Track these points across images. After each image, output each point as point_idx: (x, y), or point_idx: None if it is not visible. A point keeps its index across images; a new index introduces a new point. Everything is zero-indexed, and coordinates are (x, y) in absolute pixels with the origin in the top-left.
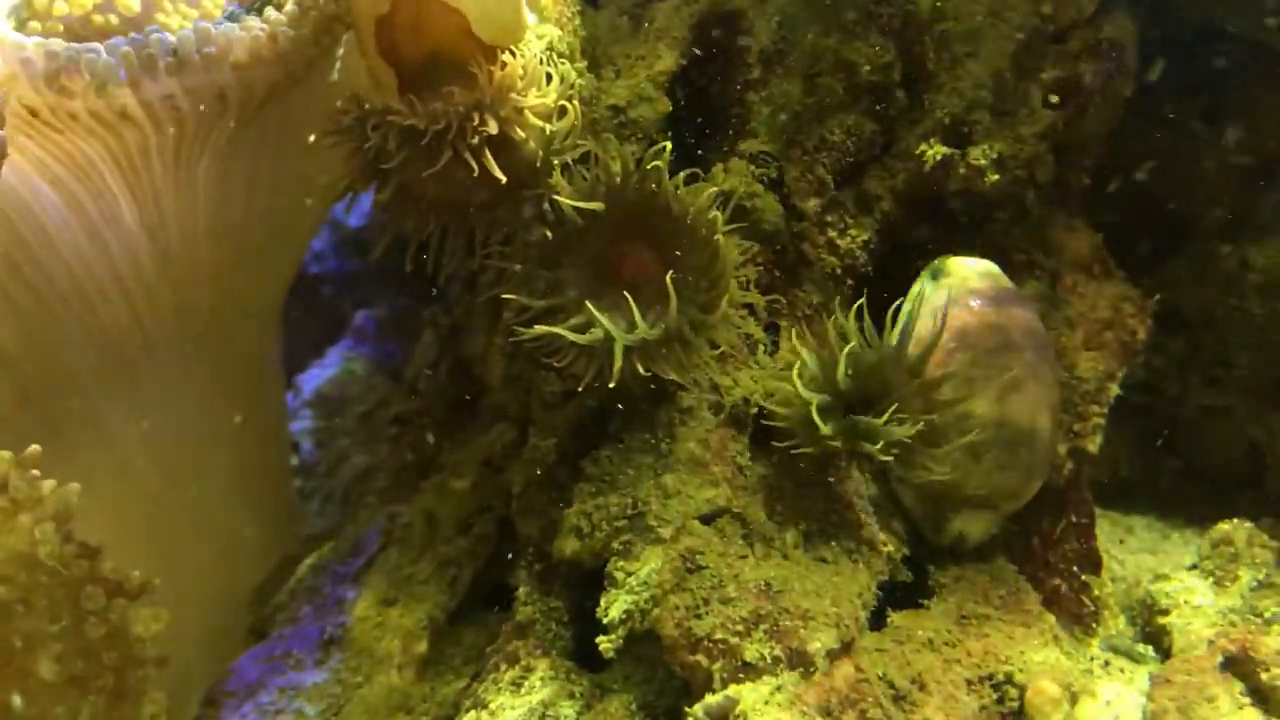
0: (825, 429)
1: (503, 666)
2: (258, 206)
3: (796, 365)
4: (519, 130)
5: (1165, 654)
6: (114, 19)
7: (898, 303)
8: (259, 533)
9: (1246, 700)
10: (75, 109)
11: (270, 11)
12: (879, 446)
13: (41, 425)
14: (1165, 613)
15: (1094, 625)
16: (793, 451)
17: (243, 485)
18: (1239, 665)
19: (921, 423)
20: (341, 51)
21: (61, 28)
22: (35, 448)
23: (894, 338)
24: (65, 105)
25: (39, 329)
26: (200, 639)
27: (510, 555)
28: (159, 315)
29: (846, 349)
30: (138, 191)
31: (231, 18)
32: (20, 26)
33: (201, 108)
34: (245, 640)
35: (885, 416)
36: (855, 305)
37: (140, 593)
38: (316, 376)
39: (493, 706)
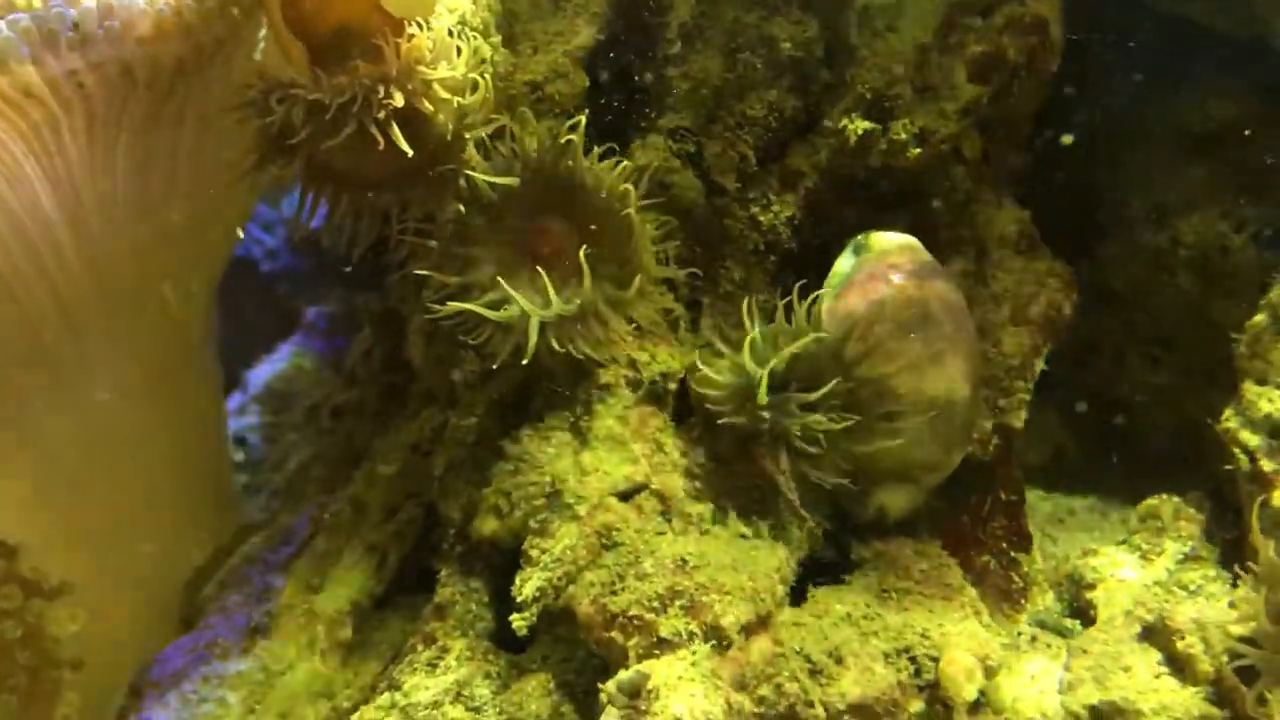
0: (763, 399)
1: (419, 648)
2: (180, 187)
3: (748, 340)
4: (427, 103)
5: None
6: None
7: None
8: (192, 524)
9: (1164, 669)
10: None
11: None
12: (802, 432)
13: None
14: (1091, 587)
15: (1023, 601)
16: (719, 423)
17: (174, 475)
18: (1155, 635)
19: (845, 420)
20: (264, 31)
21: None
22: None
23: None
24: None
25: None
26: (132, 630)
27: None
28: (82, 300)
29: (802, 342)
30: (52, 174)
31: None
32: None
33: (108, 84)
34: (177, 631)
35: (817, 395)
36: (797, 285)
37: (58, 593)
38: (265, 372)
39: (406, 687)
